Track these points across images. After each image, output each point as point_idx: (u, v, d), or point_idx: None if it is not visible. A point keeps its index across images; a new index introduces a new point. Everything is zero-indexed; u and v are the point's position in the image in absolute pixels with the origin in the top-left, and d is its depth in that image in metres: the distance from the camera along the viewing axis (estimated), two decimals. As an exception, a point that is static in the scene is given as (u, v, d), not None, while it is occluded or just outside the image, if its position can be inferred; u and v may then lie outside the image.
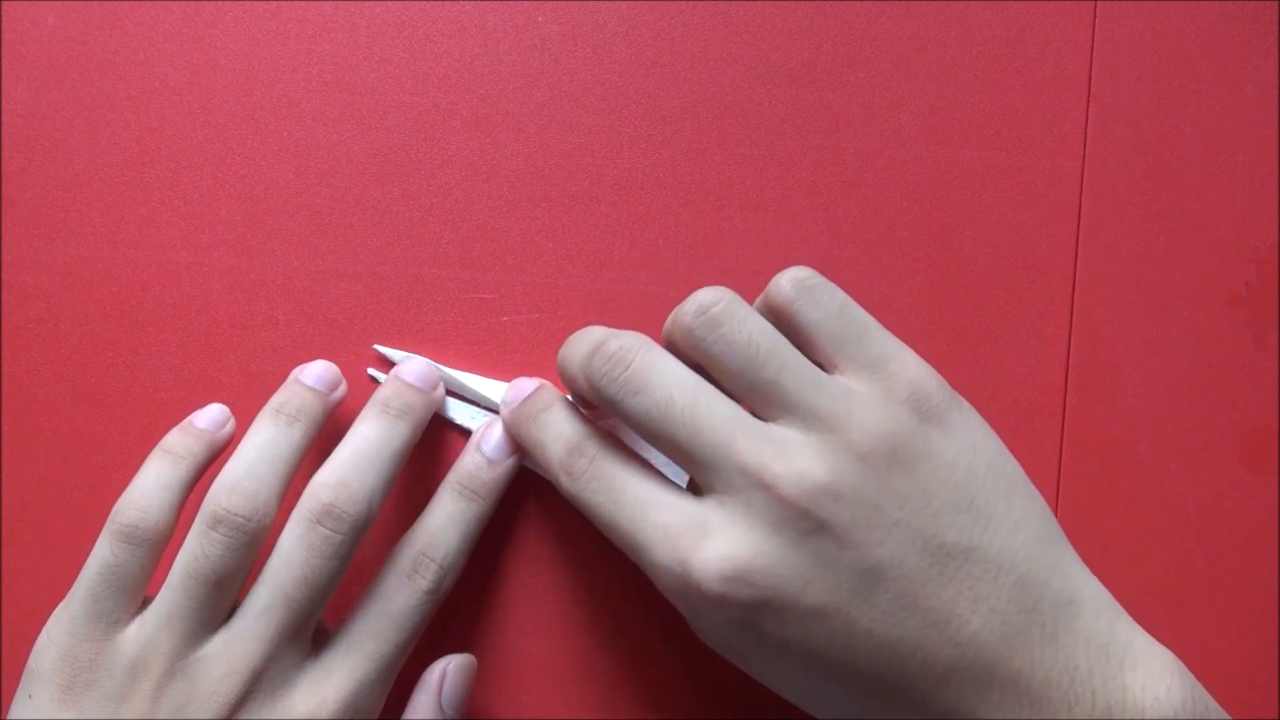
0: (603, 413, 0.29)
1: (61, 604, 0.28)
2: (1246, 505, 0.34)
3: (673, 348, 0.28)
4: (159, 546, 0.28)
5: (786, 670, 0.26)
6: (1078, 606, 0.25)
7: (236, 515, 0.27)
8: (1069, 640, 0.25)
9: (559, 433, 0.28)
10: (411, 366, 0.31)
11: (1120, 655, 0.25)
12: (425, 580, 0.28)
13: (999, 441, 0.27)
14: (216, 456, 0.30)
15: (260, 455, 0.28)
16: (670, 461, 0.28)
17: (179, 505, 0.28)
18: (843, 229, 0.34)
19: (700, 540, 0.25)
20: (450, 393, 0.32)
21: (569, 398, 0.30)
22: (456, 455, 0.31)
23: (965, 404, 0.27)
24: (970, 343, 0.34)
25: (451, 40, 0.34)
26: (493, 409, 0.32)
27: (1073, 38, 0.35)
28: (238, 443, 0.29)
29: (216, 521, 0.27)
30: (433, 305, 0.33)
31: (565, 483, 0.28)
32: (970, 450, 0.26)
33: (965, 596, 0.25)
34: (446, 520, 0.29)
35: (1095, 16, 0.35)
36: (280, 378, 0.31)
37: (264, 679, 0.27)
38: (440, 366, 0.32)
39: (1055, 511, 0.33)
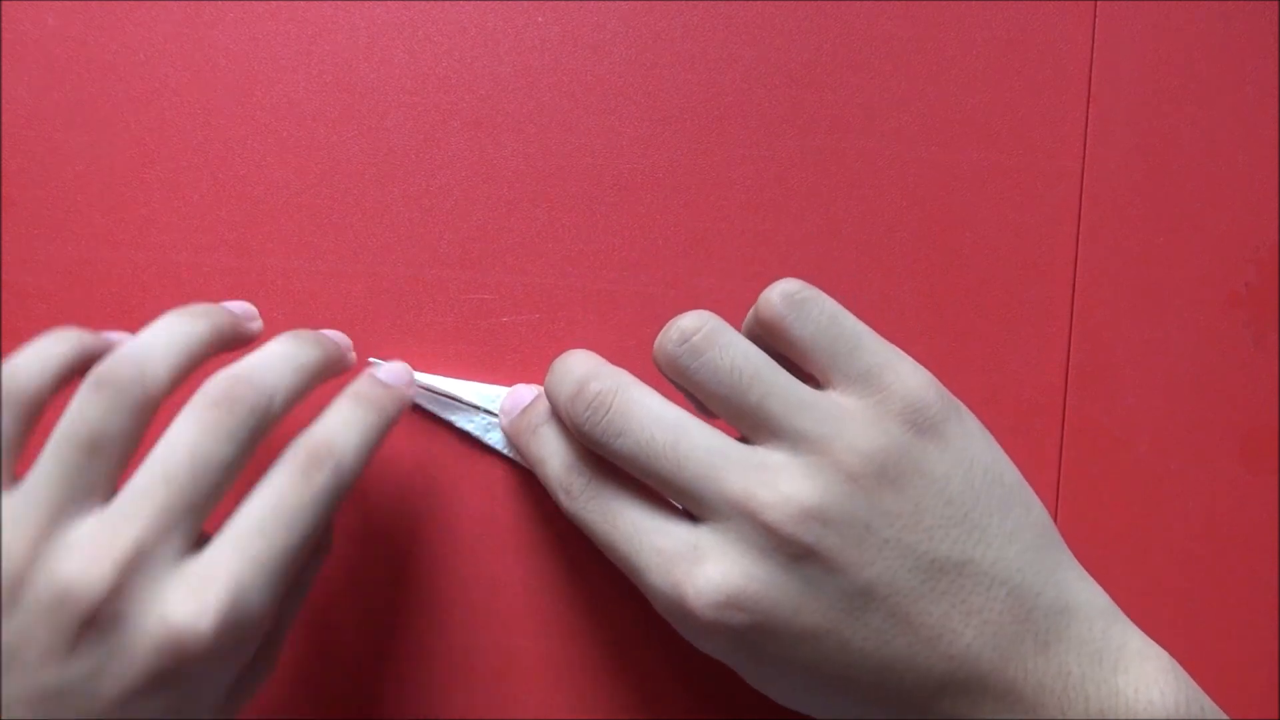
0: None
1: None
2: (1246, 505, 0.34)
3: (660, 373, 0.27)
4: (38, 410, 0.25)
5: (784, 682, 0.26)
6: (1071, 613, 0.25)
7: (121, 376, 0.24)
8: (1062, 647, 0.25)
9: (556, 449, 0.28)
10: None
11: (1114, 659, 0.25)
12: (322, 475, 0.25)
13: (997, 449, 0.27)
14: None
15: (154, 336, 0.26)
16: None
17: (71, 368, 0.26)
18: (843, 229, 0.34)
19: (694, 566, 0.25)
20: (451, 398, 0.32)
21: None
22: (456, 457, 0.31)
23: (964, 411, 0.27)
24: (970, 343, 0.34)
25: (451, 40, 0.34)
26: (491, 414, 0.32)
27: (1073, 38, 0.35)
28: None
29: (100, 384, 0.24)
30: (433, 306, 0.33)
31: (563, 500, 0.28)
32: (966, 462, 0.26)
33: (958, 610, 0.25)
34: (343, 424, 0.26)
35: (1095, 16, 0.35)
36: (280, 378, 0.30)
37: (137, 572, 0.23)
38: (436, 377, 0.32)
39: (1054, 512, 0.33)
